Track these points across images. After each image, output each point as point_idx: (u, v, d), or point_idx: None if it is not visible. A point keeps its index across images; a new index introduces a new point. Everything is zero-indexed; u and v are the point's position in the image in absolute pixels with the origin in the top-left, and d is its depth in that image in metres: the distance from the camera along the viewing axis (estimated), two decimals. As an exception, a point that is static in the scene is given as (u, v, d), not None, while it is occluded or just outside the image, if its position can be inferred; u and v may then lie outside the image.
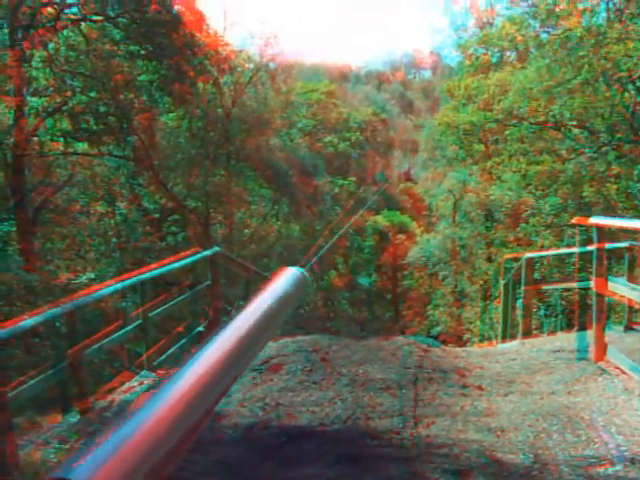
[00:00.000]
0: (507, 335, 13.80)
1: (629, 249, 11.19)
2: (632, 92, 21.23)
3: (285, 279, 2.54)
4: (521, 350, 9.52)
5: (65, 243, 22.28)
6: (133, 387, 8.59)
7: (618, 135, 21.79)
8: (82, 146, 23.28)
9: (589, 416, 6.04)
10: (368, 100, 61.13)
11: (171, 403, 1.62)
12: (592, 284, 8.45)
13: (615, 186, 21.54)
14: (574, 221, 10.47)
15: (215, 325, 11.91)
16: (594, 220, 8.52)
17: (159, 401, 1.60)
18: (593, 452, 5.21)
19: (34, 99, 21.19)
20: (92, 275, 18.40)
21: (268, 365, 7.94)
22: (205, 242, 21.79)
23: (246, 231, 28.47)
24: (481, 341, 18.80)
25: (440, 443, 5.50)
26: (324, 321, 28.87)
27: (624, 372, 7.32)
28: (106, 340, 8.98)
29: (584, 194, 21.90)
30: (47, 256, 20.51)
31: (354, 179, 32.97)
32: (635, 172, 20.85)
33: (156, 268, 10.79)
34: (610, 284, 8.21)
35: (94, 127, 23.54)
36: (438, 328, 28.98)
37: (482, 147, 30.02)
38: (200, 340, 11.19)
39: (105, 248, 23.39)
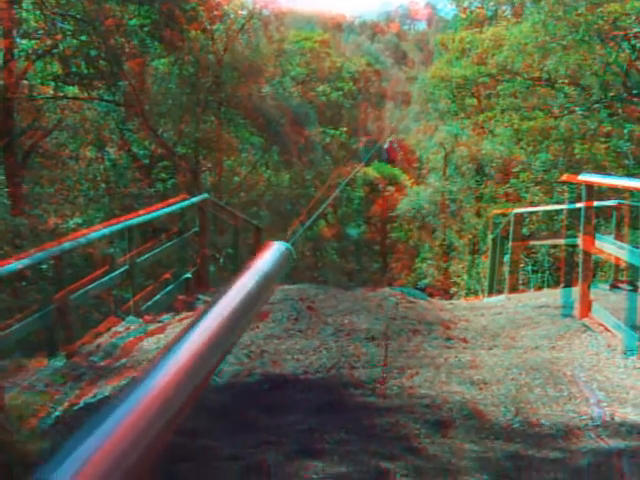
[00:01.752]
0: (493, 290, 13.88)
1: (617, 208, 11.22)
2: (627, 51, 21.12)
3: (271, 256, 2.55)
4: (507, 305, 9.57)
5: (54, 188, 22.13)
6: (119, 332, 8.62)
7: (611, 94, 21.71)
8: (72, 90, 23.05)
9: (571, 372, 6.09)
10: (362, 50, 60.62)
11: (154, 391, 1.61)
12: (579, 241, 8.47)
13: (605, 145, 21.52)
14: (564, 178, 10.47)
15: (202, 272, 11.94)
16: (583, 177, 8.53)
17: (141, 392, 1.59)
18: (574, 407, 5.26)
19: (24, 41, 20.92)
20: (80, 220, 18.36)
21: (254, 313, 7.95)
22: (194, 189, 21.70)
23: (236, 179, 28.33)
24: (468, 295, 18.89)
25: (423, 394, 5.54)
26: (312, 271, 28.95)
27: (608, 329, 7.37)
28: (92, 285, 8.99)
29: (575, 151, 21.87)
30: (35, 201, 20.42)
31: (345, 129, 32.76)
32: (625, 131, 20.83)
33: (144, 214, 10.79)
34: (597, 242, 8.24)
35: (84, 71, 23.28)
36: (425, 281, 29.07)
37: (474, 101, 29.87)
38: (187, 287, 11.23)
39: (94, 193, 23.25)
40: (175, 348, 1.76)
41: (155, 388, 1.61)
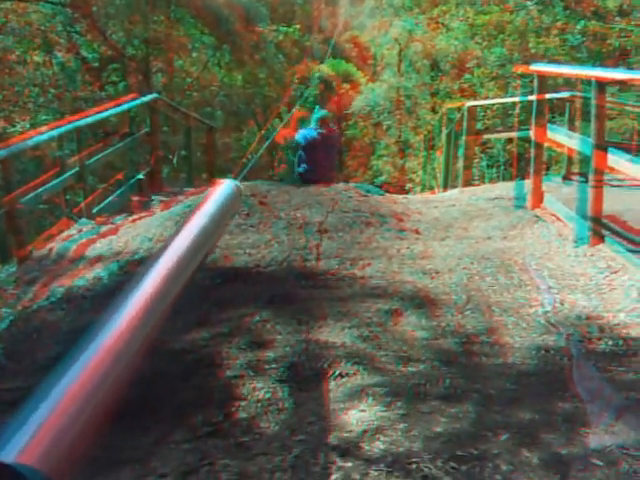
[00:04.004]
0: (448, 185, 13.91)
1: (571, 100, 11.20)
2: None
3: (220, 195, 2.50)
4: (460, 198, 9.62)
5: (2, 94, 21.68)
6: (71, 235, 8.54)
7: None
8: (15, -7, 22.40)
9: (522, 260, 6.16)
10: (314, -55, 59.25)
11: (98, 354, 1.56)
12: (531, 133, 8.47)
13: (558, 39, 21.46)
14: (516, 69, 10.41)
15: (156, 173, 11.82)
16: (535, 67, 8.50)
17: (83, 355, 1.54)
18: (525, 294, 5.32)
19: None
20: (28, 125, 18.04)
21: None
22: (146, 91, 21.33)
23: (188, 79, 27.88)
24: (423, 191, 18.93)
25: (375, 284, 5.58)
26: (268, 170, 28.83)
27: (559, 219, 7.45)
28: (43, 188, 8.85)
29: (530, 46, 21.79)
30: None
31: (299, 27, 32.16)
32: (578, 27, 20.79)
33: (93, 115, 10.60)
34: (549, 133, 8.24)
35: (26, -28, 22.61)
36: (382, 178, 29.02)
37: (429, -5, 29.50)
38: (140, 188, 11.12)
39: (43, 99, 22.83)
40: (125, 295, 1.71)
41: (100, 349, 1.56)
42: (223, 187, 2.60)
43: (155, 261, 1.89)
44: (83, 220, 9.15)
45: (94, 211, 9.57)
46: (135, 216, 9.25)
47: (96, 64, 25.33)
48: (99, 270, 6.49)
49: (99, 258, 7.05)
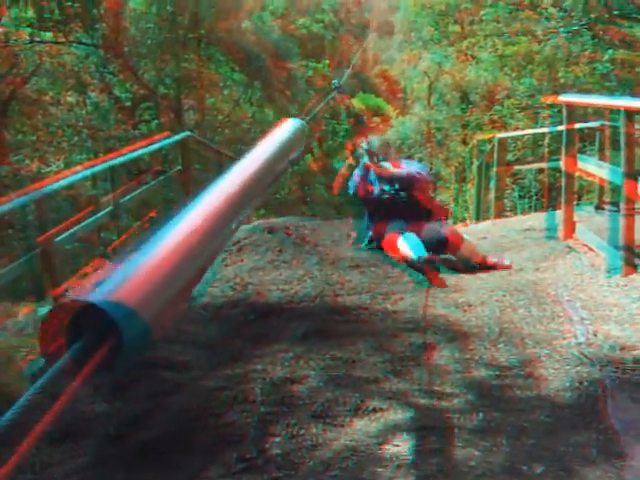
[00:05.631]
0: (480, 216, 13.88)
1: (601, 129, 11.17)
2: (609, -30, 20.91)
3: (286, 128, 2.66)
4: (492, 229, 9.61)
5: (36, 135, 22.03)
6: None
7: (593, 15, 21.53)
8: (49, 35, 22.81)
9: (555, 292, 6.13)
10: (342, -19, 59.55)
11: (185, 236, 1.69)
12: (562, 163, 8.47)
13: (587, 67, 21.46)
14: (545, 100, 10.42)
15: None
16: (564, 98, 8.50)
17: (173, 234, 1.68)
18: (557, 326, 5.30)
19: (-4, -13, 20.61)
20: (63, 164, 18.30)
21: (238, 246, 7.97)
22: (178, 129, 21.59)
23: (219, 117, 28.15)
24: (455, 223, 18.88)
25: (407, 318, 5.58)
26: (299, 205, 28.91)
27: (591, 249, 7.41)
28: (77, 227, 8.93)
29: (559, 75, 21.79)
30: (18, 148, 20.32)
31: (328, 62, 32.40)
32: (607, 56, 20.77)
33: (126, 154, 10.73)
34: (580, 163, 8.23)
35: (59, 16, 23.00)
36: (414, 212, 29.07)
37: (458, 28, 29.58)
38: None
39: (77, 138, 23.18)
40: (197, 204, 1.88)
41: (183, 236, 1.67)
42: (289, 123, 2.78)
43: (226, 177, 2.06)
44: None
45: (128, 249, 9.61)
46: (168, 253, 9.29)
47: (129, 103, 25.69)
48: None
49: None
